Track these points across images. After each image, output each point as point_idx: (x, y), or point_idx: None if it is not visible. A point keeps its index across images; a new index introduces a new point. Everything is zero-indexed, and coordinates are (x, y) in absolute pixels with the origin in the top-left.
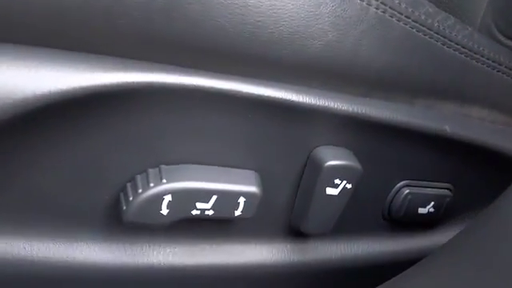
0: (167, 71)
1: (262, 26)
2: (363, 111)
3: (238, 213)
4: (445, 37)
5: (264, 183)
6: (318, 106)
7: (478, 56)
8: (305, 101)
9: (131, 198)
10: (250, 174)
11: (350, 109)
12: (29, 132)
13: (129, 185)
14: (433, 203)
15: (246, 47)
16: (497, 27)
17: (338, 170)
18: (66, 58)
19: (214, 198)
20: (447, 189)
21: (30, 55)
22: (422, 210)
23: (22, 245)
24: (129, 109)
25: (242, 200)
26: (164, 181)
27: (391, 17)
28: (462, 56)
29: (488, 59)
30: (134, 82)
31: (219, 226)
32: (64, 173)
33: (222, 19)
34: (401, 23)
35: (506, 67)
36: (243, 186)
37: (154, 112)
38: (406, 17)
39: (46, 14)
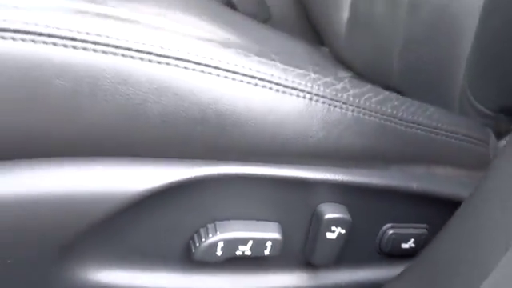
0: (226, 165)
1: (278, 132)
2: (352, 178)
3: (266, 252)
4: (407, 121)
5: (284, 231)
6: (320, 178)
7: (437, 130)
8: (311, 176)
9: (197, 244)
10: (274, 225)
11: (342, 178)
12: (136, 211)
13: (195, 235)
14: (413, 240)
15: (268, 145)
16: (474, 97)
17: (333, 221)
18: (157, 161)
19: (251, 242)
20: (424, 228)
21: (127, 162)
22: (404, 245)
23: (126, 274)
24: (201, 194)
25: (269, 244)
26: (218, 232)
27: (364, 115)
28: (423, 132)
29: (447, 131)
30: (202, 175)
31: (254, 262)
32: (155, 231)
33: (255, 134)
34: (372, 118)
35: (463, 135)
36: (270, 233)
37: (213, 192)
38: (375, 112)
39: (133, 128)
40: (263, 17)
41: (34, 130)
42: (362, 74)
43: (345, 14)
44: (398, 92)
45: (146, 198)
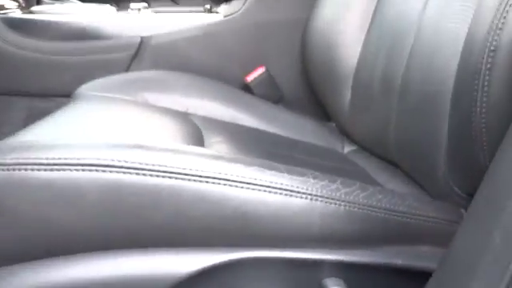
0: (247, 251)
1: (286, 224)
2: (347, 258)
3: None
4: (390, 210)
5: None
6: (321, 258)
7: (415, 216)
8: (315, 256)
9: None
10: None
11: (340, 257)
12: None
13: None
14: None
15: (279, 234)
16: (451, 179)
17: None
18: (190, 250)
19: None
20: None
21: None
22: None
23: None
24: (224, 277)
25: None
26: None
27: (354, 208)
28: (404, 219)
29: (424, 217)
30: (229, 260)
31: None
32: None
33: (269, 226)
34: (360, 210)
35: (437, 219)
36: None
37: (235, 274)
38: (363, 205)
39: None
40: (276, 98)
41: (109, 228)
42: (365, 146)
43: (347, 96)
44: (394, 163)
45: (183, 281)
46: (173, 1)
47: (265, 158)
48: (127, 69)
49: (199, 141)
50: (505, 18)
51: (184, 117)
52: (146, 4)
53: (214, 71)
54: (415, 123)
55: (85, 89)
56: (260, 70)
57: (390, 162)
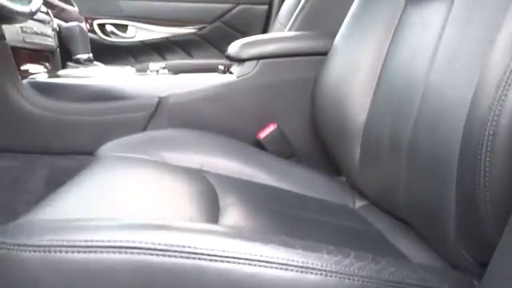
0: None
1: None
2: None
3: None
4: (402, 283)
5: None
6: None
7: None
8: None
9: None
10: None
11: None
12: None
13: None
14: None
15: None
16: (462, 246)
17: None
18: None
19: None
20: None
21: None
22: None
23: None
24: None
25: None
26: None
27: (367, 282)
28: None
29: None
30: None
31: None
32: None
33: None
34: (373, 284)
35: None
36: None
37: None
38: (375, 279)
39: None
40: (288, 153)
41: None
42: (375, 202)
43: (357, 151)
44: (405, 221)
45: None
46: (188, 55)
47: (279, 221)
48: (145, 127)
49: (215, 202)
50: (502, 103)
51: (199, 175)
52: (163, 64)
53: (227, 128)
54: (424, 184)
55: (105, 149)
56: (272, 127)
57: (402, 220)
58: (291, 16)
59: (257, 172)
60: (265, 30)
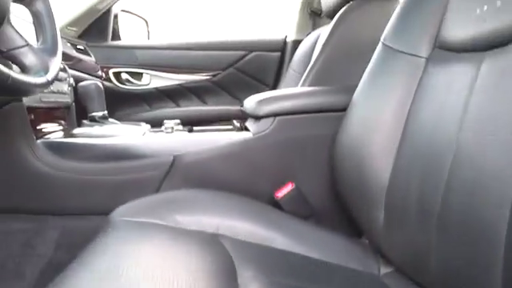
0: None
1: None
2: None
3: None
4: None
5: None
6: None
7: None
8: None
9: None
10: None
11: None
12: None
13: None
14: None
15: None
16: None
17: None
18: None
19: None
20: None
21: None
22: None
23: None
24: None
25: None
26: None
27: None
28: None
29: None
30: None
31: None
32: None
33: None
34: None
35: None
36: None
37: None
38: None
39: None
40: (306, 214)
41: None
42: (403, 270)
43: (380, 213)
44: None
45: None
46: (202, 101)
47: None
48: (160, 185)
49: (233, 277)
50: None
51: (214, 241)
52: (178, 120)
53: (244, 187)
54: (462, 251)
55: (118, 213)
56: (289, 187)
57: None
58: (304, 64)
59: (275, 235)
60: (277, 77)
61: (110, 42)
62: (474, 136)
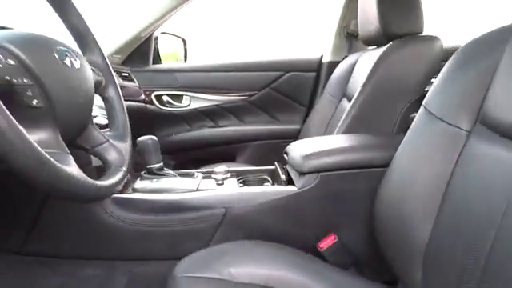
0: None
1: None
2: None
3: None
4: None
5: None
6: None
7: None
8: None
9: None
10: None
11: None
12: None
13: None
14: None
15: None
16: None
17: None
18: None
19: None
20: None
21: None
22: None
23: None
24: None
25: None
26: None
27: None
28: None
29: None
30: None
31: None
32: None
33: None
34: None
35: None
36: None
37: None
38: None
39: None
40: (347, 263)
41: None
42: None
43: (419, 272)
44: None
45: None
46: (239, 120)
47: None
48: (212, 235)
49: None
50: None
51: None
52: (226, 168)
53: (289, 238)
54: None
55: (180, 270)
56: (332, 238)
57: None
58: (341, 88)
59: (319, 286)
60: (313, 96)
61: (152, 66)
62: None
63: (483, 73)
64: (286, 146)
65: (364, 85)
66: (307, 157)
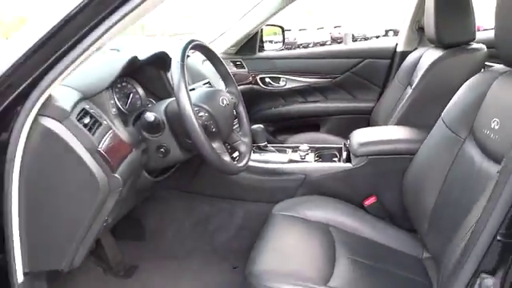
0: None
1: None
2: None
3: None
4: None
5: None
6: None
7: None
8: None
9: None
10: None
11: None
12: None
13: None
14: None
15: None
16: None
17: None
18: None
19: None
20: None
21: None
22: None
23: None
24: None
25: None
26: None
27: None
28: None
29: None
30: None
31: None
32: None
33: None
34: None
35: None
36: None
37: None
38: None
39: None
40: (383, 216)
41: None
42: (436, 255)
43: (427, 220)
44: None
45: None
46: (325, 97)
47: (368, 274)
48: (296, 191)
49: (332, 252)
50: None
51: (326, 229)
52: (307, 146)
53: (346, 197)
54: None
55: (277, 210)
56: (373, 199)
57: None
58: (407, 77)
59: (363, 228)
60: (387, 79)
61: (257, 54)
62: None
63: (477, 99)
64: (360, 121)
65: (418, 82)
66: (360, 145)
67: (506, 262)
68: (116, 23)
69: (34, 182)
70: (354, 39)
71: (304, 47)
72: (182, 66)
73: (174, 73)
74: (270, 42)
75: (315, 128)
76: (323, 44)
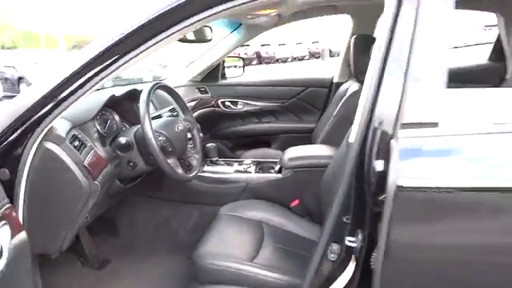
0: None
1: None
2: None
3: None
4: None
5: None
6: None
7: None
8: None
9: None
10: None
11: None
12: None
13: None
14: None
15: None
16: None
17: None
18: None
19: None
20: None
21: None
22: None
23: None
24: None
25: None
26: None
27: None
28: None
29: None
30: None
31: None
32: None
33: None
34: None
35: None
36: None
37: None
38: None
39: None
40: (304, 214)
41: None
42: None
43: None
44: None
45: None
46: (276, 118)
47: (286, 257)
48: (239, 196)
49: (260, 241)
50: None
51: (259, 225)
52: (250, 161)
53: (277, 201)
54: None
55: (223, 211)
56: (297, 201)
57: None
58: (334, 107)
59: (289, 224)
60: (326, 103)
61: (220, 81)
62: None
63: None
64: (304, 139)
65: (339, 108)
66: (289, 159)
67: (344, 234)
68: (110, 73)
69: (36, 184)
70: (332, 54)
71: (282, 61)
72: (147, 103)
73: (141, 108)
74: (234, 67)
75: (267, 144)
76: (301, 59)
